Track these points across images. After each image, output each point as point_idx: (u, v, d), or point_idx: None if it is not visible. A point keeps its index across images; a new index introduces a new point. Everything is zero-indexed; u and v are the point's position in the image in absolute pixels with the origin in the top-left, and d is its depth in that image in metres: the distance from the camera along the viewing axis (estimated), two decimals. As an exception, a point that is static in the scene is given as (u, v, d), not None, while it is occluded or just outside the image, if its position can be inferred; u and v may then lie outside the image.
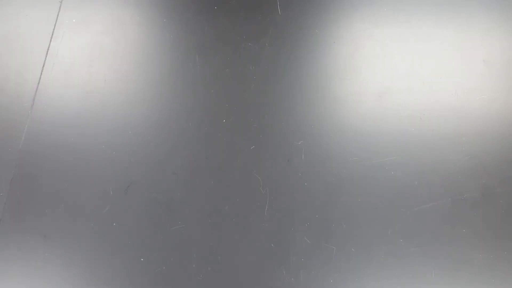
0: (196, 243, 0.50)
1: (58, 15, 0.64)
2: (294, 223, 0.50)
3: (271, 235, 0.49)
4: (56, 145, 0.55)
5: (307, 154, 0.55)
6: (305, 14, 0.65)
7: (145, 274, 0.48)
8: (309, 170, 0.54)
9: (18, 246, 0.50)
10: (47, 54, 0.61)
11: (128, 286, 0.47)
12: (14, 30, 0.63)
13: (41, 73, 0.60)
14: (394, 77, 0.61)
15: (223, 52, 0.62)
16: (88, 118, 0.57)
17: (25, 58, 0.61)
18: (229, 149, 0.55)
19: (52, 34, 0.63)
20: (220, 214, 0.48)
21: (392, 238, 0.50)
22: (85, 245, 0.49)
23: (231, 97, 0.59)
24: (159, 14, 0.65)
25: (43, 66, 0.60)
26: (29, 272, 0.48)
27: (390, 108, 0.59)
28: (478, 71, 0.62)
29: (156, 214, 0.51)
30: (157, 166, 0.54)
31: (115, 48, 0.62)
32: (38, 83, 0.59)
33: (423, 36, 0.64)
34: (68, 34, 0.63)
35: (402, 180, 0.54)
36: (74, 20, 0.64)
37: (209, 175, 0.53)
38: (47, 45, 0.62)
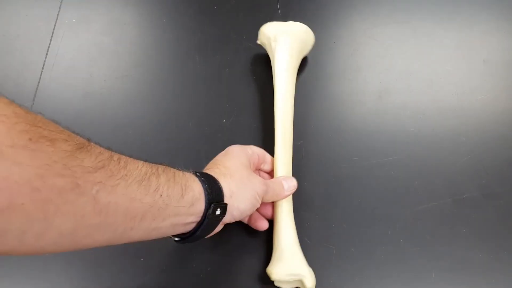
0: (196, 243, 0.50)
1: (58, 15, 0.64)
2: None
3: (272, 235, 0.49)
4: (56, 145, 0.55)
5: (307, 154, 0.55)
6: (305, 14, 0.65)
7: (145, 274, 0.48)
8: (309, 170, 0.54)
9: (18, 246, 0.50)
10: (47, 54, 0.61)
11: (128, 286, 0.47)
12: (14, 30, 0.63)
13: (41, 73, 0.60)
14: (394, 77, 0.61)
15: (223, 52, 0.62)
16: (88, 118, 0.57)
17: (25, 58, 0.61)
18: (229, 149, 0.55)
19: (52, 34, 0.63)
20: (220, 214, 0.48)
21: (392, 238, 0.50)
22: (85, 245, 0.49)
23: (231, 97, 0.59)
24: (159, 14, 0.65)
25: (43, 66, 0.60)
26: (29, 272, 0.48)
27: (390, 108, 0.59)
28: (478, 71, 0.62)
29: (156, 214, 0.51)
30: (157, 166, 0.54)
31: (115, 48, 0.62)
32: (38, 83, 0.59)
33: (423, 36, 0.64)
34: (68, 34, 0.63)
35: (402, 180, 0.54)
36: (74, 20, 0.64)
37: (209, 175, 0.53)
38: (47, 45, 0.62)
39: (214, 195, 0.37)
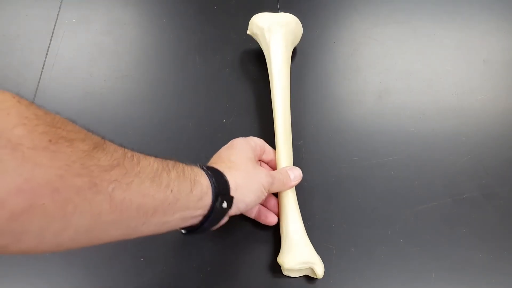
0: (196, 243, 0.50)
1: (58, 15, 0.64)
2: (294, 223, 0.50)
3: (272, 235, 0.50)
4: (56, 145, 0.55)
5: (307, 154, 0.55)
6: (305, 14, 0.65)
7: (145, 274, 0.48)
8: (309, 170, 0.54)
9: (18, 246, 0.50)
10: (47, 54, 0.61)
11: (128, 286, 0.47)
12: (14, 30, 0.63)
13: (41, 73, 0.60)
14: (394, 77, 0.61)
15: (223, 52, 0.62)
16: (88, 118, 0.57)
17: (25, 58, 0.61)
18: (229, 149, 0.55)
19: (52, 34, 0.63)
20: (220, 214, 0.48)
21: (392, 238, 0.50)
22: (85, 245, 0.49)
23: (231, 97, 0.59)
24: (159, 14, 0.65)
25: (43, 66, 0.60)
26: (29, 272, 0.48)
27: (390, 108, 0.59)
28: (478, 71, 0.62)
29: (156, 214, 0.51)
30: (157, 166, 0.54)
31: (115, 48, 0.62)
32: (38, 83, 0.59)
33: (423, 36, 0.64)
34: (68, 34, 0.63)
35: (402, 180, 0.54)
36: (74, 20, 0.64)
37: (209, 175, 0.53)
38: (47, 45, 0.62)
39: (221, 188, 0.38)
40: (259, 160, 0.50)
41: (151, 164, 0.32)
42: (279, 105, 0.52)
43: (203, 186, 0.36)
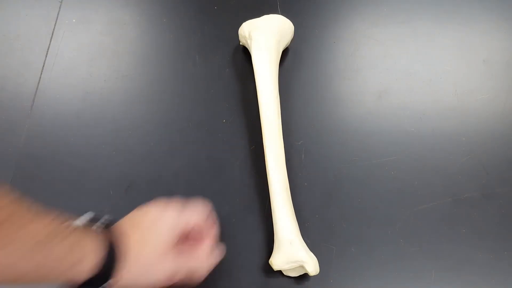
0: (196, 243, 0.50)
1: (58, 15, 0.64)
2: (294, 223, 0.50)
3: (272, 235, 0.50)
4: (56, 145, 0.55)
5: (307, 154, 0.55)
6: (305, 14, 0.65)
7: (145, 274, 0.48)
8: (309, 170, 0.54)
9: (18, 246, 0.50)
10: (47, 54, 0.61)
11: (128, 286, 0.47)
12: (14, 30, 0.63)
13: (41, 73, 0.60)
14: (394, 77, 0.61)
15: (223, 52, 0.62)
16: (88, 118, 0.57)
17: (25, 58, 0.61)
18: (229, 149, 0.55)
19: (52, 34, 0.63)
20: (220, 214, 0.48)
21: (392, 238, 0.50)
22: (85, 245, 0.49)
23: (231, 97, 0.59)
24: (159, 14, 0.65)
25: (43, 66, 0.60)
26: (29, 272, 0.48)
27: (390, 108, 0.59)
28: (478, 71, 0.62)
29: (156, 214, 0.51)
30: (157, 166, 0.54)
31: (115, 48, 0.62)
32: (38, 83, 0.59)
33: (423, 36, 0.64)
34: (68, 34, 0.63)
35: (402, 180, 0.54)
36: (74, 20, 0.64)
37: (209, 175, 0.53)
38: (47, 45, 0.62)
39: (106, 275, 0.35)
40: (194, 240, 0.42)
41: (39, 231, 0.31)
42: (264, 108, 0.51)
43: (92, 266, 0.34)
